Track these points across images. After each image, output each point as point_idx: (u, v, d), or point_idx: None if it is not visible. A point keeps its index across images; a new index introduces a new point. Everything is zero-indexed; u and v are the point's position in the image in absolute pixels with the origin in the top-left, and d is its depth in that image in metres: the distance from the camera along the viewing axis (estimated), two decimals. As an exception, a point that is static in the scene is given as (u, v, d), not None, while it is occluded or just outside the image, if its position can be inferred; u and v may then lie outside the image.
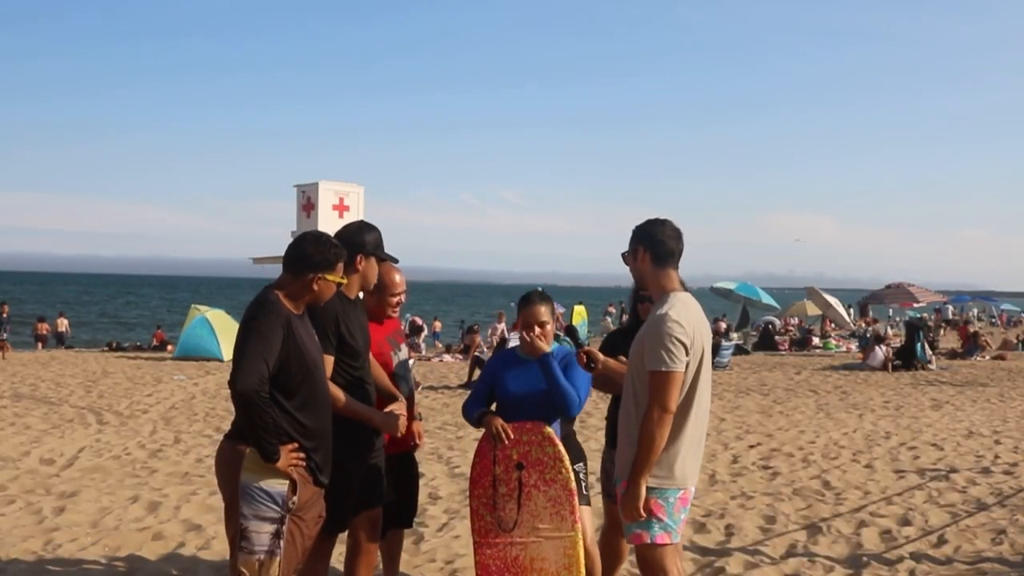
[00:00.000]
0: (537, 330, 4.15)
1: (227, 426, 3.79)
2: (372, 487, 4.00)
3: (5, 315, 22.26)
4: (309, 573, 3.75)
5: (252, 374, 3.22)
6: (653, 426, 3.38)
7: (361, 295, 4.17)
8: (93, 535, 5.77)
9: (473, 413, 4.20)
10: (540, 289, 4.36)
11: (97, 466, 8.07)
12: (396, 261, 4.23)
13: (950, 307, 36.46)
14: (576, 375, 4.15)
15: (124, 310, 64.80)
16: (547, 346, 4.14)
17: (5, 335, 21.85)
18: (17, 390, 13.93)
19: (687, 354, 3.42)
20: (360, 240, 3.98)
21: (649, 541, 3.48)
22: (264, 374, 3.25)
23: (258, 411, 3.24)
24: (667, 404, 3.39)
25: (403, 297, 4.41)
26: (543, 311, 4.18)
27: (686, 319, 3.45)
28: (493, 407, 4.26)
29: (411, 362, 4.56)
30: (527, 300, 4.23)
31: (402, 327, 4.82)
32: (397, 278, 4.36)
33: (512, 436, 4.04)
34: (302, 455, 3.41)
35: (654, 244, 3.59)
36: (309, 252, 3.50)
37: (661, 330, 3.41)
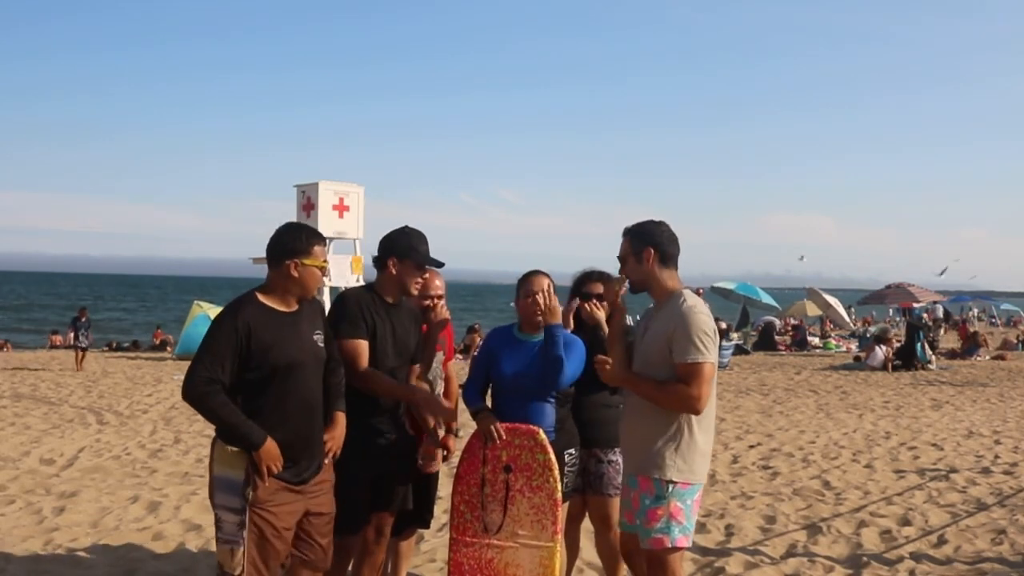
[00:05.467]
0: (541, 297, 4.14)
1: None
2: (383, 491, 3.96)
3: (84, 319, 20.11)
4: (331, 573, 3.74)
5: (193, 376, 3.28)
6: (686, 401, 3.38)
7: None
8: (93, 535, 5.76)
9: (472, 405, 4.17)
10: None
11: (97, 466, 8.07)
12: (440, 265, 4.09)
13: (940, 307, 36.20)
14: (572, 356, 4.07)
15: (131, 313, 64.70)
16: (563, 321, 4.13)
17: (86, 342, 19.64)
18: (17, 390, 13.94)
19: (713, 349, 3.45)
20: (393, 243, 3.95)
21: (670, 545, 3.48)
22: (206, 374, 3.26)
23: (208, 409, 3.28)
24: (705, 394, 3.40)
25: (436, 299, 4.34)
26: (545, 280, 4.15)
27: (710, 315, 3.51)
28: (488, 400, 4.24)
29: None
30: (528, 273, 4.22)
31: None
32: (437, 282, 4.33)
33: (504, 437, 3.96)
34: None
35: (660, 244, 3.59)
36: (283, 240, 3.46)
37: (696, 321, 3.40)
